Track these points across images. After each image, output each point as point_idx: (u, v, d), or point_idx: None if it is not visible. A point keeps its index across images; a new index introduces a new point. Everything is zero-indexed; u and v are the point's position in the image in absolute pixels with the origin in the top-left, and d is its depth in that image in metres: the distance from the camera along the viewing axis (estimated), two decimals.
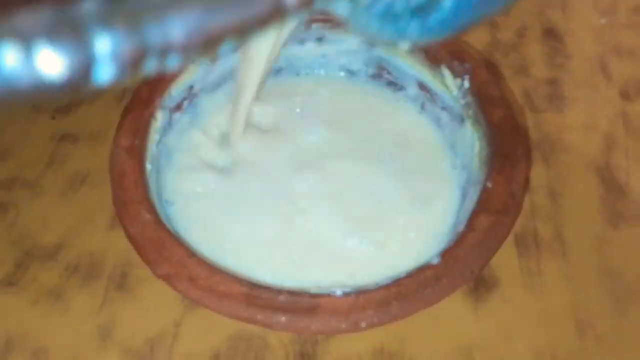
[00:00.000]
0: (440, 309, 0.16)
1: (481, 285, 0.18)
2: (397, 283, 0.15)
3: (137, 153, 0.18)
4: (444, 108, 0.21)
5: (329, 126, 0.21)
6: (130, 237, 0.17)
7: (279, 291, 0.15)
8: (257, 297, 0.15)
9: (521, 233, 0.20)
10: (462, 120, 0.20)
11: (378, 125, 0.21)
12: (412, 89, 0.22)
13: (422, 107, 0.22)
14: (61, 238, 0.20)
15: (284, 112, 0.21)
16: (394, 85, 0.23)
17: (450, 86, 0.21)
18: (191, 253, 0.16)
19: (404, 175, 0.20)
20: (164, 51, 0.08)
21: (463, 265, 0.16)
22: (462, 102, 0.20)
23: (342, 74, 0.23)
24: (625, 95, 0.24)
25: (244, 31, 0.09)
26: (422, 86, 0.22)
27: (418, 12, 0.12)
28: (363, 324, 0.15)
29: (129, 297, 0.18)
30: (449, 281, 0.16)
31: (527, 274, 0.19)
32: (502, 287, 0.18)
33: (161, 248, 0.16)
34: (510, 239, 0.19)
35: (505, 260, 0.19)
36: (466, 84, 0.20)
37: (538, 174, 0.21)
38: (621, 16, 0.27)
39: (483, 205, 0.17)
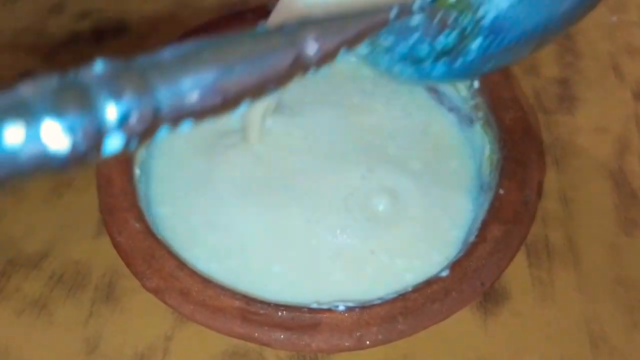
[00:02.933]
0: (447, 323, 0.15)
1: (490, 297, 0.17)
2: (403, 297, 0.15)
3: (125, 157, 0.17)
4: (452, 109, 0.20)
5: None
6: (118, 247, 0.16)
7: (277, 306, 0.14)
8: (253, 312, 0.14)
9: (532, 241, 0.19)
10: (471, 122, 0.19)
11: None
12: (419, 89, 0.21)
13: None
14: (45, 246, 0.19)
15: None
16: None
17: (458, 86, 0.20)
18: (182, 264, 0.15)
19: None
20: (177, 116, 0.07)
21: (473, 277, 0.15)
22: (472, 103, 0.19)
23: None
24: (638, 96, 0.23)
25: (263, 89, 0.08)
26: (429, 86, 0.21)
27: (444, 55, 0.12)
28: (367, 342, 0.14)
29: (116, 309, 0.17)
30: (459, 295, 0.15)
31: (539, 284, 0.18)
32: (513, 299, 0.17)
33: (150, 259, 0.15)
34: (521, 247, 0.18)
35: (515, 270, 0.18)
36: (476, 84, 0.19)
37: (549, 178, 0.20)
38: (632, 14, 0.26)
39: (494, 213, 0.16)
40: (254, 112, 0.18)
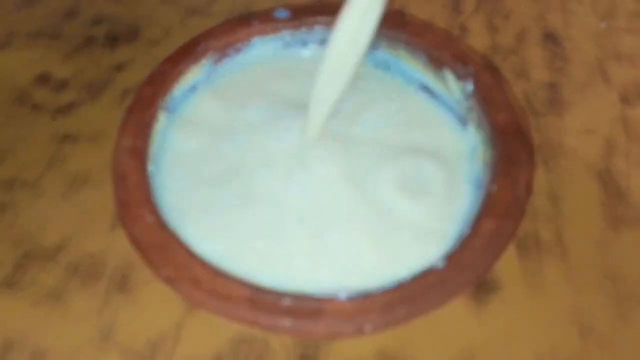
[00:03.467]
0: (441, 312, 0.16)
1: (483, 288, 0.18)
2: (402, 287, 0.15)
3: (140, 154, 0.18)
4: (447, 110, 0.21)
5: None
6: (132, 239, 0.16)
7: (283, 294, 0.15)
8: (260, 300, 0.15)
9: (523, 236, 0.20)
10: (464, 123, 0.20)
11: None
12: (415, 91, 0.22)
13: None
14: (61, 239, 0.19)
15: None
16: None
17: (452, 89, 0.21)
18: (194, 255, 0.16)
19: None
20: None
21: (468, 269, 0.16)
22: (465, 105, 0.20)
23: None
24: (624, 99, 0.24)
25: None
26: (425, 88, 0.22)
27: None
28: (367, 328, 0.15)
29: (129, 299, 0.18)
30: (453, 285, 0.15)
31: (529, 276, 0.19)
32: (504, 290, 0.18)
33: (164, 250, 0.16)
34: (512, 242, 0.19)
35: (507, 263, 0.19)
36: (469, 87, 0.20)
37: (539, 177, 0.21)
38: (621, 21, 0.27)
39: (487, 209, 0.17)
40: (323, 107, 0.18)
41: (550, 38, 0.26)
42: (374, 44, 0.22)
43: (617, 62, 0.25)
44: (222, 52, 0.22)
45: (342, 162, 0.20)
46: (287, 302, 0.15)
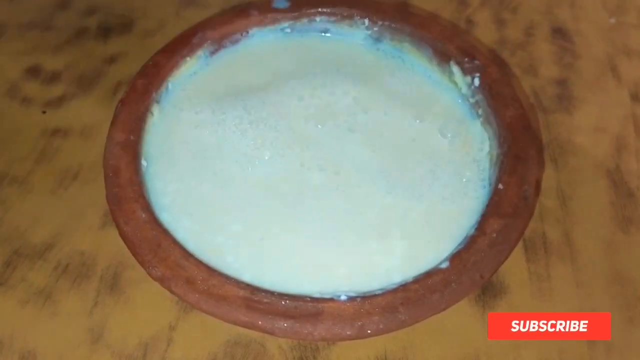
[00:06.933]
0: (446, 316, 0.15)
1: (489, 290, 0.18)
2: (404, 288, 0.15)
3: (133, 149, 0.17)
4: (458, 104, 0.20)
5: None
6: (124, 236, 0.16)
7: (281, 295, 0.15)
8: (257, 301, 0.14)
9: (530, 237, 0.19)
10: (473, 118, 0.20)
11: None
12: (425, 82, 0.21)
13: None
14: (51, 237, 0.19)
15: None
16: None
17: (459, 83, 0.20)
18: (188, 254, 0.15)
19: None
20: None
21: (473, 269, 0.15)
22: (472, 100, 0.19)
23: None
24: (635, 97, 0.23)
25: None
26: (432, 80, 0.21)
27: None
28: (368, 331, 0.14)
29: (121, 299, 0.17)
30: (458, 287, 0.15)
31: (536, 279, 0.18)
32: (510, 293, 0.18)
33: (157, 248, 0.15)
34: (519, 242, 0.19)
35: (513, 264, 0.18)
36: (476, 81, 0.19)
37: (548, 176, 0.21)
38: (630, 16, 0.27)
39: (494, 207, 0.16)
40: None
41: (559, 33, 0.26)
42: (377, 36, 0.21)
43: (628, 58, 0.25)
44: (219, 44, 0.21)
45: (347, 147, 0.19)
46: (284, 303, 0.14)
